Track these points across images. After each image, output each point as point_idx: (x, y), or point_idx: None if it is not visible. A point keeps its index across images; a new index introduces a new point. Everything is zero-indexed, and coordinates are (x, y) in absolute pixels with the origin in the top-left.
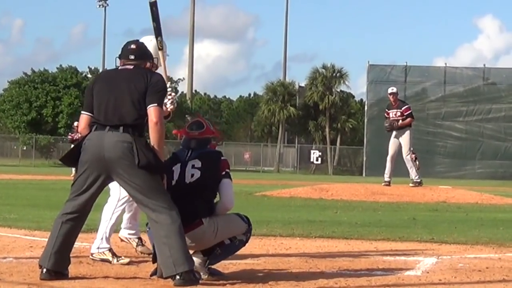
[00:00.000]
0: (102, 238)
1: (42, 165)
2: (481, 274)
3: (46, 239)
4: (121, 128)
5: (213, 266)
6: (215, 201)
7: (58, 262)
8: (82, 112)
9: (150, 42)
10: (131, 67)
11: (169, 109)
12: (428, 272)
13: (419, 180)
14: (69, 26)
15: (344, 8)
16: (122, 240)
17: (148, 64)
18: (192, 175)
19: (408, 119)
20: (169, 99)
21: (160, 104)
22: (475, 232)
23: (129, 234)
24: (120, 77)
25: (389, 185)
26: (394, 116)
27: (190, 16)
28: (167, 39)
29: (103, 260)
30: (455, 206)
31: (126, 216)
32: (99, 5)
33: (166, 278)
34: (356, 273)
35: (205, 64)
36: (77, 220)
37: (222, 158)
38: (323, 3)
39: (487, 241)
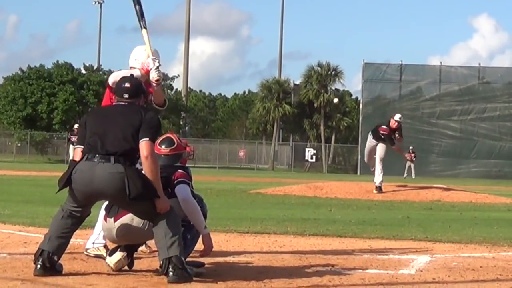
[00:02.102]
0: (99, 234)
1: (37, 161)
2: (475, 273)
3: (41, 235)
4: (112, 158)
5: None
6: None
7: (56, 247)
8: (77, 146)
9: (144, 51)
10: (125, 103)
11: (154, 80)
12: (422, 271)
13: (380, 186)
14: (64, 22)
15: (339, 6)
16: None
17: (142, 99)
18: None
19: (401, 138)
20: (155, 66)
21: (153, 139)
22: (469, 231)
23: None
24: (115, 112)
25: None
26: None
27: (185, 13)
28: (161, 36)
29: (97, 256)
30: (449, 205)
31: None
32: (95, 2)
33: (160, 262)
34: (350, 271)
35: (199, 62)
36: (79, 213)
37: (178, 170)
38: (317, 1)
39: (481, 240)
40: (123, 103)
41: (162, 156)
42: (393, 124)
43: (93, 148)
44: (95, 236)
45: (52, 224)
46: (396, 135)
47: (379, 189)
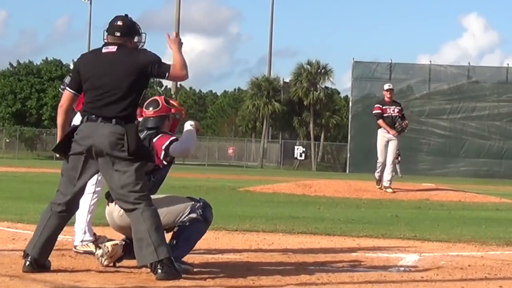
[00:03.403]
0: (84, 231)
1: (26, 157)
2: (463, 272)
3: (29, 232)
4: (114, 120)
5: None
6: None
7: (42, 251)
8: (67, 88)
9: None
10: (114, 49)
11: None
12: (410, 269)
13: (388, 186)
14: (53, 18)
15: (328, 4)
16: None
17: (136, 39)
18: None
19: (408, 121)
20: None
21: (168, 65)
22: (458, 230)
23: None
24: (107, 64)
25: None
26: (393, 112)
27: (175, 9)
28: (150, 33)
29: (86, 252)
30: (438, 204)
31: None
32: None
33: (150, 265)
34: (338, 269)
35: (188, 58)
36: (67, 211)
37: (158, 136)
38: None
39: (470, 239)
40: (112, 48)
41: (150, 118)
42: (386, 97)
43: (93, 110)
44: (81, 234)
45: (39, 225)
46: (401, 122)
47: (386, 188)
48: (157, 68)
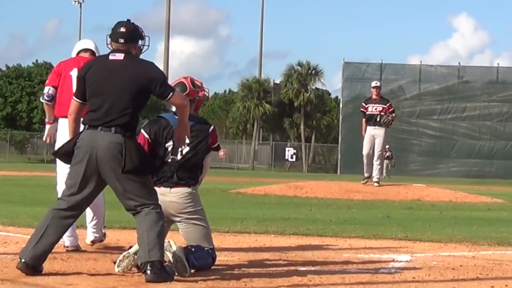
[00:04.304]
0: (103, 226)
1: (16, 160)
2: (455, 272)
3: (20, 235)
4: (113, 128)
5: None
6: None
7: (37, 257)
8: (74, 98)
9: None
10: (122, 57)
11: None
12: (402, 270)
13: (378, 181)
14: (43, 22)
15: (317, 5)
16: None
17: (140, 42)
18: (181, 152)
19: (395, 114)
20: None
21: (173, 88)
22: (449, 230)
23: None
24: (113, 72)
25: (369, 177)
26: (374, 110)
27: (165, 11)
28: None
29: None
30: (429, 204)
31: (88, 222)
32: (75, 1)
33: (140, 265)
34: (330, 270)
35: (178, 61)
36: (69, 218)
37: (211, 130)
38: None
39: (461, 239)
40: (119, 56)
41: None
42: (374, 94)
43: (94, 117)
44: (99, 229)
45: (37, 231)
46: (387, 116)
47: (377, 183)
48: (160, 88)
